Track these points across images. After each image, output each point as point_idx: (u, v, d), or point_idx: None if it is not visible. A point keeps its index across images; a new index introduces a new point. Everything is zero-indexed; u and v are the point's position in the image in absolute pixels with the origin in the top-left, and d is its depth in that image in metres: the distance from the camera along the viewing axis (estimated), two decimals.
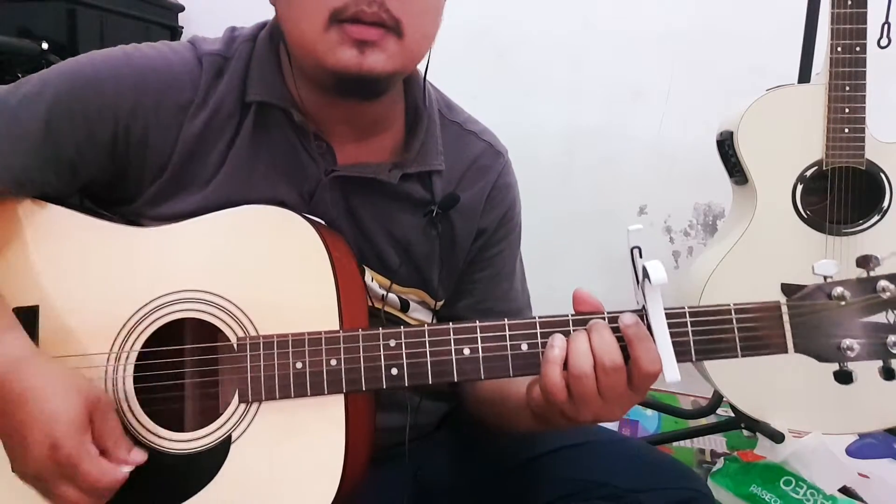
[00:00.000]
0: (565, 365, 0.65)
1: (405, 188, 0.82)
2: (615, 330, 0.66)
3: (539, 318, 0.69)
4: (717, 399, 1.66)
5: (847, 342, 0.67)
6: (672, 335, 0.66)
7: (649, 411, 1.81)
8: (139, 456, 0.67)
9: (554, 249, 1.94)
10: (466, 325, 0.69)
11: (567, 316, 0.69)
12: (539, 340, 0.68)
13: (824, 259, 0.68)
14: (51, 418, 0.63)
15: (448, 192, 0.84)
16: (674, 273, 1.97)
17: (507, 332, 0.69)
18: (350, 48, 0.68)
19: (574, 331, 0.67)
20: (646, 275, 0.66)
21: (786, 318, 0.68)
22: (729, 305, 0.68)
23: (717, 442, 1.73)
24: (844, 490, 1.40)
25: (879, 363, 0.68)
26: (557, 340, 0.66)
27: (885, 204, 1.28)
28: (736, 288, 1.29)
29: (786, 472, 1.39)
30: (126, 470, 0.65)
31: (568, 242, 2.00)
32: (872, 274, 0.67)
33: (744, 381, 1.30)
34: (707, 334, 0.67)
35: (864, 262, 0.67)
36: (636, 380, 0.65)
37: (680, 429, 1.69)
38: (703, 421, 1.69)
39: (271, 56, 0.79)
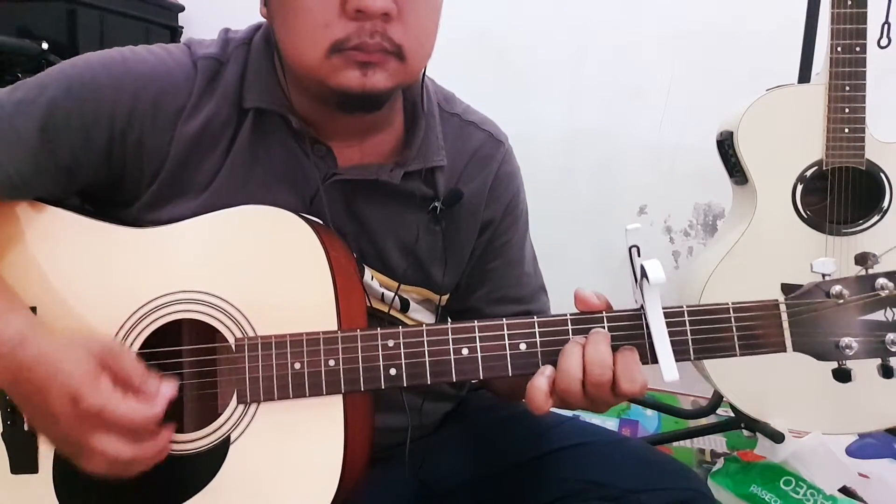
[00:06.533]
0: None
1: (407, 186, 0.82)
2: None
3: (537, 317, 0.69)
4: (717, 399, 1.65)
5: (846, 340, 0.67)
6: (670, 334, 0.67)
7: (649, 411, 1.81)
8: (170, 389, 0.66)
9: (554, 249, 1.93)
10: (465, 324, 0.69)
11: (565, 315, 0.69)
12: (538, 340, 0.68)
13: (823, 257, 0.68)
14: (64, 375, 0.64)
15: (451, 188, 0.84)
16: (674, 273, 1.97)
17: (506, 332, 0.69)
18: (353, 70, 0.69)
19: (572, 338, 0.68)
20: (644, 274, 0.65)
21: (784, 316, 0.68)
22: (727, 304, 0.68)
23: (717, 442, 1.73)
24: (844, 490, 1.40)
25: (878, 361, 0.68)
26: (547, 370, 0.67)
27: (885, 204, 1.28)
28: (736, 288, 1.29)
29: (786, 472, 1.39)
30: (160, 404, 0.65)
31: (568, 242, 2.00)
32: (871, 272, 0.67)
33: (744, 380, 1.30)
34: (705, 333, 0.68)
35: (863, 259, 0.67)
36: (620, 395, 0.67)
37: (680, 429, 1.69)
38: (703, 421, 1.69)
39: (267, 61, 0.78)
